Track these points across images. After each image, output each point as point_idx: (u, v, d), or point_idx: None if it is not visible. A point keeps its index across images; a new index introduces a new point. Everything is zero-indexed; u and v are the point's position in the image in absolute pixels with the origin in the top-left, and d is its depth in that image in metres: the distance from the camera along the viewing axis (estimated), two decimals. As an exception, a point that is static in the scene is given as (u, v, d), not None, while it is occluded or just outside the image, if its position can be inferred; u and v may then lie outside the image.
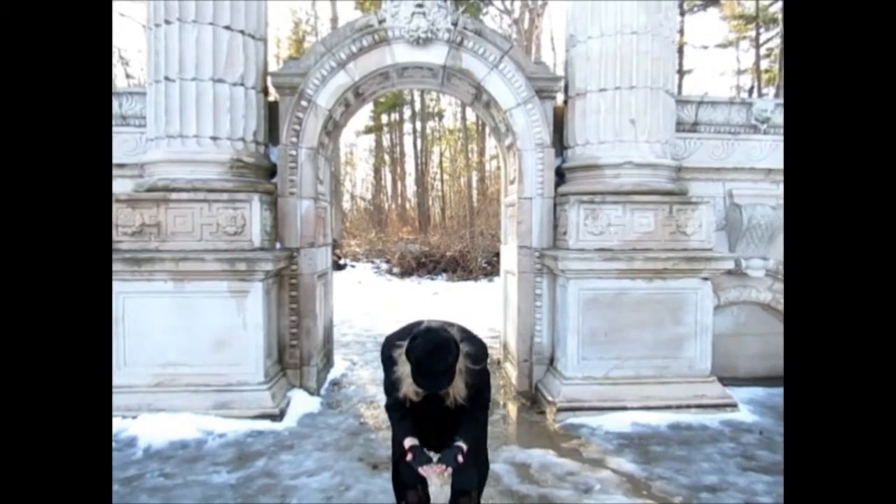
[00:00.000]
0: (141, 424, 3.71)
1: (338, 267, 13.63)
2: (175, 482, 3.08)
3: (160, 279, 3.93)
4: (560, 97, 4.85)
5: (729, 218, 4.96)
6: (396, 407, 2.20)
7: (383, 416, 3.39)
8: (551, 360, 4.65)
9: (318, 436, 3.79)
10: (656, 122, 4.36)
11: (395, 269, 15.26)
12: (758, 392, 4.69)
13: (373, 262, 16.47)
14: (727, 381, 4.49)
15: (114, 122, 4.54)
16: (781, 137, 4.91)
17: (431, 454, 2.13)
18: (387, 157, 26.97)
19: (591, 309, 4.24)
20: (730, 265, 4.44)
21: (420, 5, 4.40)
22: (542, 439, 3.77)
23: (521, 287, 4.76)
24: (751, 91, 19.82)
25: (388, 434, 3.17)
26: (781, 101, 4.95)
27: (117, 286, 3.84)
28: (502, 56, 4.54)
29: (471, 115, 21.71)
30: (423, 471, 2.07)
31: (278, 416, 3.94)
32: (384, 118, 25.16)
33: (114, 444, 3.49)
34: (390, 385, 2.18)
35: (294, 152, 4.48)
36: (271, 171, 4.52)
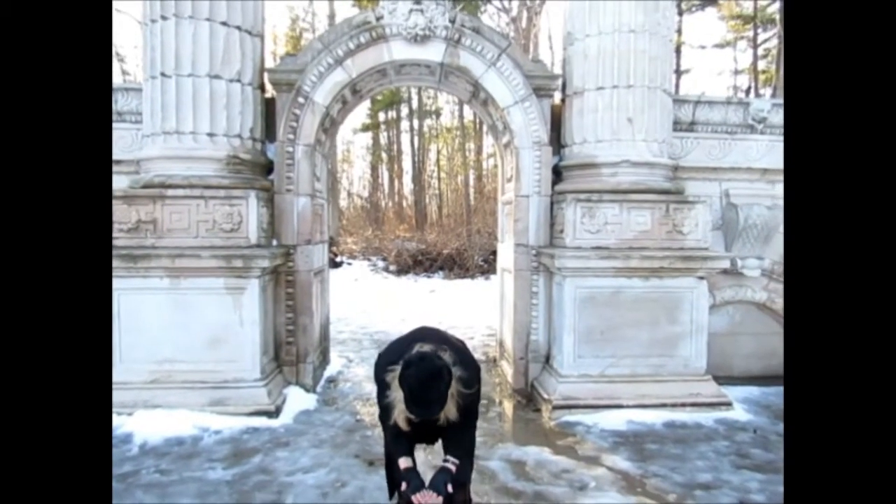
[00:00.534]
0: (137, 421, 3.70)
1: (334, 264, 13.61)
2: (171, 478, 3.08)
3: (156, 276, 3.92)
4: (557, 95, 4.85)
5: (725, 217, 4.97)
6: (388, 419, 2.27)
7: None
8: (547, 358, 4.66)
9: (314, 433, 3.79)
10: (653, 121, 4.37)
11: (392, 267, 15.25)
12: (752, 391, 4.72)
13: (369, 259, 16.43)
14: (722, 379, 4.52)
15: (110, 118, 4.52)
16: (778, 137, 4.94)
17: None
18: (384, 155, 26.94)
19: (588, 307, 4.26)
20: (726, 264, 4.46)
21: (418, 2, 4.40)
22: (538, 437, 3.78)
23: (517, 285, 4.77)
24: (748, 91, 19.89)
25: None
26: (778, 101, 4.98)
27: (113, 283, 3.83)
28: (500, 54, 4.54)
29: (468, 113, 21.71)
30: (416, 499, 2.11)
31: (274, 413, 3.94)
32: (381, 115, 25.11)
33: (109, 441, 3.49)
34: (383, 409, 2.23)
35: (291, 149, 4.47)
36: (268, 168, 4.51)
